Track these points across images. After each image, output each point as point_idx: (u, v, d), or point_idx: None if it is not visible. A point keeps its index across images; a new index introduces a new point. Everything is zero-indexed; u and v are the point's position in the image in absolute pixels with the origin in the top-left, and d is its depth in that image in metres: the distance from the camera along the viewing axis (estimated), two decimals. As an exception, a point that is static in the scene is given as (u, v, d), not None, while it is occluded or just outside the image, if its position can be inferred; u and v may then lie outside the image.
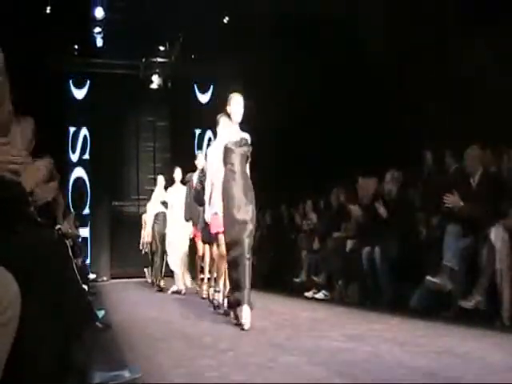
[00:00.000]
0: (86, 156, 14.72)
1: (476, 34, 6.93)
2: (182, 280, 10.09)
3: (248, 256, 5.44)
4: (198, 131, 15.34)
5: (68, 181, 14.04)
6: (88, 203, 14.47)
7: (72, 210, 12.20)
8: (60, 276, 2.65)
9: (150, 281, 12.90)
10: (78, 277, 3.13)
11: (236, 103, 5.84)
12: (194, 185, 8.25)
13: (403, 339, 4.59)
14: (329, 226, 8.66)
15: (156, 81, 14.83)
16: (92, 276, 12.40)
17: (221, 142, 6.15)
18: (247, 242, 5.47)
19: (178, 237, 9.81)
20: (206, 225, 7.05)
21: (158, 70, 14.82)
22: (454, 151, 6.96)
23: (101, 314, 5.39)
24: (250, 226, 5.57)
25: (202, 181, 7.51)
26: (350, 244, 7.95)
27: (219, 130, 6.91)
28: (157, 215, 10.77)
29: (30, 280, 2.29)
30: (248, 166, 5.91)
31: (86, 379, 2.75)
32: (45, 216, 4.84)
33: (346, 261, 7.89)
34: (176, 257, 10.03)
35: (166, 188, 10.62)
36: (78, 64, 13.97)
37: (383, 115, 8.77)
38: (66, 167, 13.83)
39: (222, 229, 5.98)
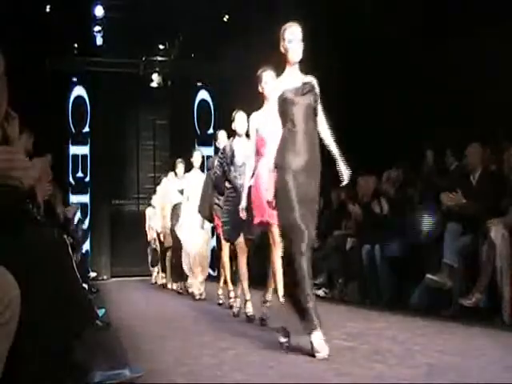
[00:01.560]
0: (87, 153, 14.64)
1: (476, 33, 6.91)
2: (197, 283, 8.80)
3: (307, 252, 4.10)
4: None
5: (67, 176, 14.02)
6: (88, 203, 14.43)
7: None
8: (60, 275, 2.65)
9: (157, 282, 12.46)
10: (78, 275, 3.12)
11: (292, 35, 4.34)
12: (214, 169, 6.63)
13: (403, 337, 4.60)
14: (329, 224, 8.66)
15: (156, 79, 14.80)
16: (93, 274, 12.39)
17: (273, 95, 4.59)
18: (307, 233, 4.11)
19: (194, 232, 8.45)
20: (234, 216, 5.81)
21: (157, 69, 14.80)
22: (454, 149, 6.96)
23: (101, 312, 5.39)
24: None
25: (222, 163, 6.26)
26: (350, 242, 7.94)
27: (266, 82, 5.30)
28: (175, 206, 9.54)
29: (30, 279, 2.29)
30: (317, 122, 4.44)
31: (87, 378, 2.75)
32: (45, 213, 4.85)
33: (346, 259, 7.89)
34: (193, 255, 8.70)
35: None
36: (78, 62, 13.94)
37: (383, 113, 8.75)
38: (65, 165, 13.84)
39: (272, 218, 4.83)
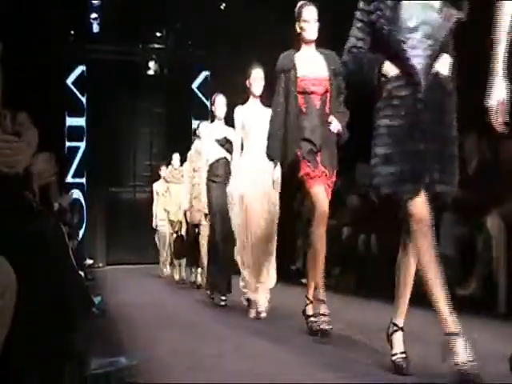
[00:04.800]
0: (83, 143, 14.61)
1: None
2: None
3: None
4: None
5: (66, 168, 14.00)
6: (85, 190, 14.41)
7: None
8: (57, 263, 2.65)
9: (178, 277, 10.08)
10: (75, 263, 3.12)
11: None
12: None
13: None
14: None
15: (153, 67, 14.78)
16: (89, 261, 12.39)
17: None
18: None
19: (259, 200, 5.48)
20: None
21: (154, 56, 14.76)
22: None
23: (97, 300, 5.40)
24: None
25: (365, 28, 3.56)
26: (346, 231, 7.95)
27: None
28: (213, 166, 6.49)
29: (26, 267, 2.28)
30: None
31: (85, 367, 2.76)
32: (40, 201, 4.83)
33: (343, 248, 7.89)
34: (258, 239, 5.44)
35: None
36: (75, 50, 13.87)
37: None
38: (62, 154, 13.79)
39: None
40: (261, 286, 5.44)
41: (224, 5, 13.20)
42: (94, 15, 13.25)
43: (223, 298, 6.25)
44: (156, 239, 11.52)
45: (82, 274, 7.07)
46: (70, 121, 14.36)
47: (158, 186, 11.15)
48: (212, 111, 6.22)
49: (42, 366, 2.39)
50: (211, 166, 6.50)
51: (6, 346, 2.03)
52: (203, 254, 7.52)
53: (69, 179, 14.14)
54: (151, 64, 14.74)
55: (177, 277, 10.05)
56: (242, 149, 5.61)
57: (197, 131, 7.84)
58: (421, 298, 3.12)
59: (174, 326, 5.00)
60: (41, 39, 12.32)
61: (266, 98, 5.44)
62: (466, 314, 5.07)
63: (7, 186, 2.50)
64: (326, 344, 4.02)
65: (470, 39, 6.43)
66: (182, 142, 9.60)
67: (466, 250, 5.66)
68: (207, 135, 6.72)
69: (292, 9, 4.53)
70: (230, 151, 6.10)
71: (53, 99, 12.84)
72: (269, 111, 4.82)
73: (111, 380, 2.90)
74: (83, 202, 14.14)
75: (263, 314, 5.33)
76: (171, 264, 10.63)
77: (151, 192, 11.42)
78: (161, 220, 10.89)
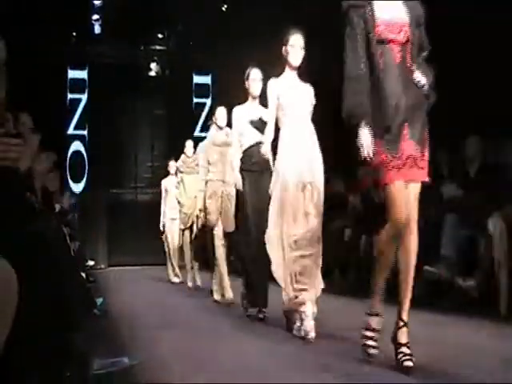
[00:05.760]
0: (85, 95, 14.57)
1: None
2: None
3: None
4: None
5: (66, 168, 14.00)
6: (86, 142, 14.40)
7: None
8: (57, 264, 2.65)
9: (192, 284, 8.90)
10: (76, 264, 3.12)
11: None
12: None
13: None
14: (327, 215, 8.63)
15: (154, 68, 14.79)
16: (91, 263, 12.38)
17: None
18: None
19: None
20: None
21: (155, 58, 14.77)
22: (453, 141, 6.95)
23: (99, 301, 5.40)
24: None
25: None
26: (348, 232, 7.94)
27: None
28: (248, 152, 5.56)
29: (28, 268, 2.29)
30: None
31: (87, 367, 2.76)
32: (43, 201, 4.85)
33: (344, 249, 7.88)
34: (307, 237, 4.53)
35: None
36: (76, 51, 13.89)
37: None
38: (64, 155, 13.81)
39: None
40: (307, 295, 4.42)
41: (225, 6, 13.21)
42: (95, 16, 13.25)
43: (264, 310, 5.29)
44: (164, 240, 10.41)
45: (83, 275, 7.07)
46: (72, 73, 14.34)
47: (167, 182, 10.22)
48: (247, 88, 5.59)
49: (42, 366, 2.39)
50: (245, 152, 5.52)
51: (7, 345, 2.03)
52: (221, 261, 6.66)
53: (70, 131, 14.16)
54: (152, 65, 14.75)
55: (190, 284, 8.89)
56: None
57: (213, 117, 6.97)
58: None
59: (175, 327, 5.01)
60: (43, 40, 12.35)
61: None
62: (467, 316, 5.11)
63: (9, 186, 2.51)
64: (324, 344, 4.03)
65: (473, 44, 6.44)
66: (184, 143, 9.54)
67: (468, 251, 5.66)
68: (240, 117, 5.65)
69: (291, 8, 4.54)
70: None
71: (53, 100, 12.84)
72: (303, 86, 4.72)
73: (113, 380, 2.90)
74: (84, 153, 14.15)
75: (312, 335, 4.22)
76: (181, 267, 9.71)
77: (159, 192, 10.89)
78: (170, 219, 9.99)
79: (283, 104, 4.71)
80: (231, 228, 6.69)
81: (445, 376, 3.07)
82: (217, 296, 6.77)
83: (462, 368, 3.23)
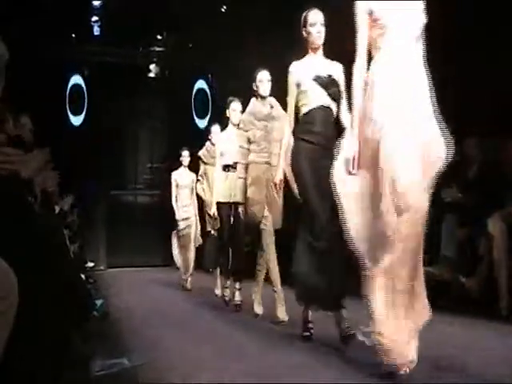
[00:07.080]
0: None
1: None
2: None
3: None
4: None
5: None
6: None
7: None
8: (57, 265, 2.65)
9: (220, 293, 7.19)
10: (76, 266, 3.13)
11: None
12: None
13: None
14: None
15: (153, 70, 14.79)
16: (90, 264, 12.36)
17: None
18: None
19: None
20: None
21: (155, 59, 14.76)
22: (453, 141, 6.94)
23: (99, 303, 5.40)
24: None
25: None
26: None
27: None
28: (308, 117, 4.39)
29: (28, 269, 2.28)
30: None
31: (87, 368, 2.76)
32: (43, 203, 4.84)
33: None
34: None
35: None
36: (75, 52, 13.88)
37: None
38: (63, 152, 13.78)
39: None
40: (407, 326, 3.21)
41: (225, 7, 13.20)
42: (94, 18, 13.25)
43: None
44: (174, 242, 9.23)
45: (83, 276, 7.07)
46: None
47: (177, 176, 8.73)
48: (306, 39, 4.35)
49: (42, 367, 2.39)
50: (305, 116, 4.36)
51: (7, 346, 2.03)
52: (273, 266, 5.55)
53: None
54: (152, 67, 14.75)
55: (218, 291, 7.33)
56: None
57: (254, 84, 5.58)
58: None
59: (175, 328, 5.00)
60: (41, 41, 12.35)
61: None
62: (467, 316, 5.11)
63: (9, 188, 2.50)
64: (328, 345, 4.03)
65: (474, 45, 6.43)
66: (184, 144, 9.52)
67: (468, 252, 5.66)
68: (299, 72, 4.42)
69: (291, 9, 4.49)
70: (335, 99, 4.34)
71: (52, 100, 12.84)
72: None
73: (114, 381, 2.90)
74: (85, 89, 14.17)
75: None
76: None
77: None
78: (183, 220, 8.62)
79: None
80: (278, 224, 5.51)
81: (445, 376, 3.07)
82: (258, 309, 5.62)
83: (462, 368, 3.23)
